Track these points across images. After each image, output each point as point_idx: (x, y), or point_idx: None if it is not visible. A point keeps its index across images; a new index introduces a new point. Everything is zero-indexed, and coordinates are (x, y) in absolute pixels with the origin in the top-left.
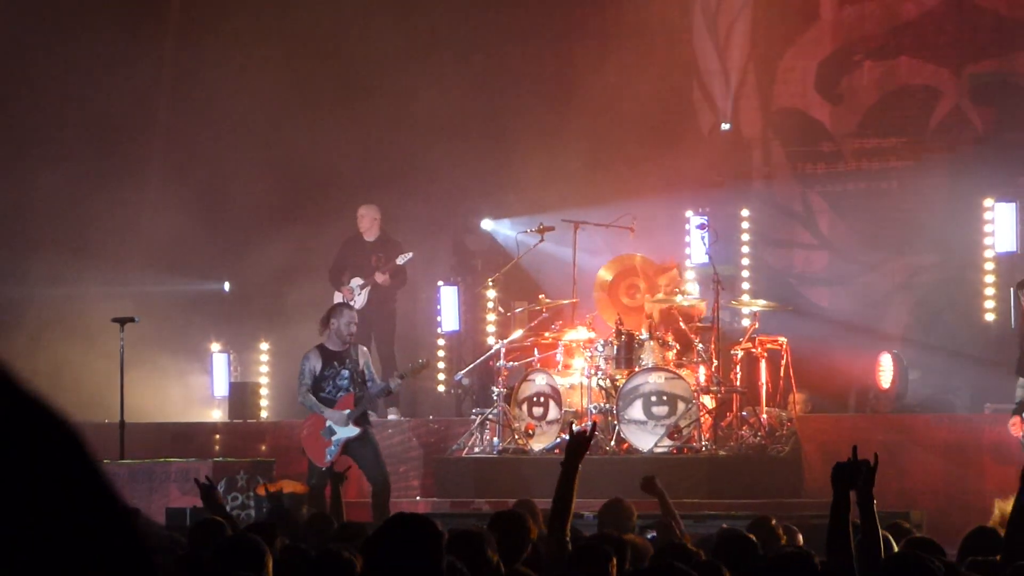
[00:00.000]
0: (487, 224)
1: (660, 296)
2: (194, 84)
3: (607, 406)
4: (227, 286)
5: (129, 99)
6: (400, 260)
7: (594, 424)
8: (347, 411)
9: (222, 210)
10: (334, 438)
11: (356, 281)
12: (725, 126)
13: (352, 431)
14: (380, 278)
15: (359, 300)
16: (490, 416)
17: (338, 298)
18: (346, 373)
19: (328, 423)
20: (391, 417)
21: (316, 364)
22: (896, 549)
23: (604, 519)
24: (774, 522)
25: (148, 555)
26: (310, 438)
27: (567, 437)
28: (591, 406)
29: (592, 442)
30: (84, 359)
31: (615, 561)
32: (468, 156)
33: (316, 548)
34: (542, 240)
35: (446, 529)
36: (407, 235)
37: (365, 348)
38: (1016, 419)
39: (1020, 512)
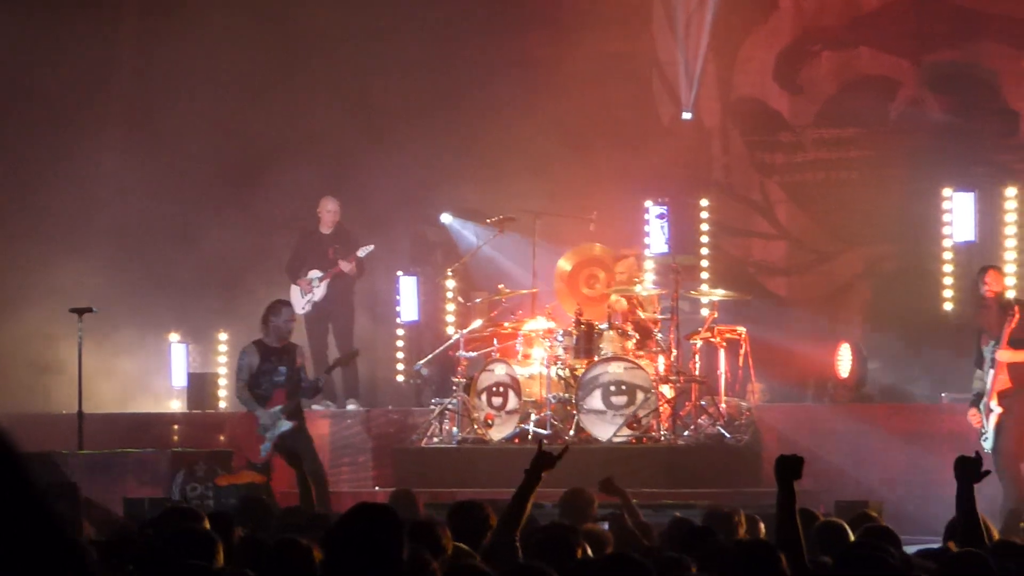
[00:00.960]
0: (446, 218)
1: (620, 287)
2: (150, 70)
3: (566, 396)
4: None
5: (84, 81)
6: (361, 252)
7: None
8: (279, 407)
9: (175, 199)
10: (268, 434)
11: (314, 273)
12: (686, 115)
13: (285, 425)
14: (346, 267)
15: (318, 292)
16: (449, 406)
17: (295, 291)
18: (283, 370)
19: (261, 420)
20: (350, 407)
21: (254, 360)
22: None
23: (564, 508)
24: (727, 510)
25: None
26: (245, 436)
27: (536, 444)
28: (550, 396)
29: (529, 434)
30: (41, 349)
31: (579, 550)
32: (427, 146)
33: (274, 538)
34: (502, 231)
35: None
36: (367, 226)
37: (301, 347)
38: (974, 410)
39: (962, 503)
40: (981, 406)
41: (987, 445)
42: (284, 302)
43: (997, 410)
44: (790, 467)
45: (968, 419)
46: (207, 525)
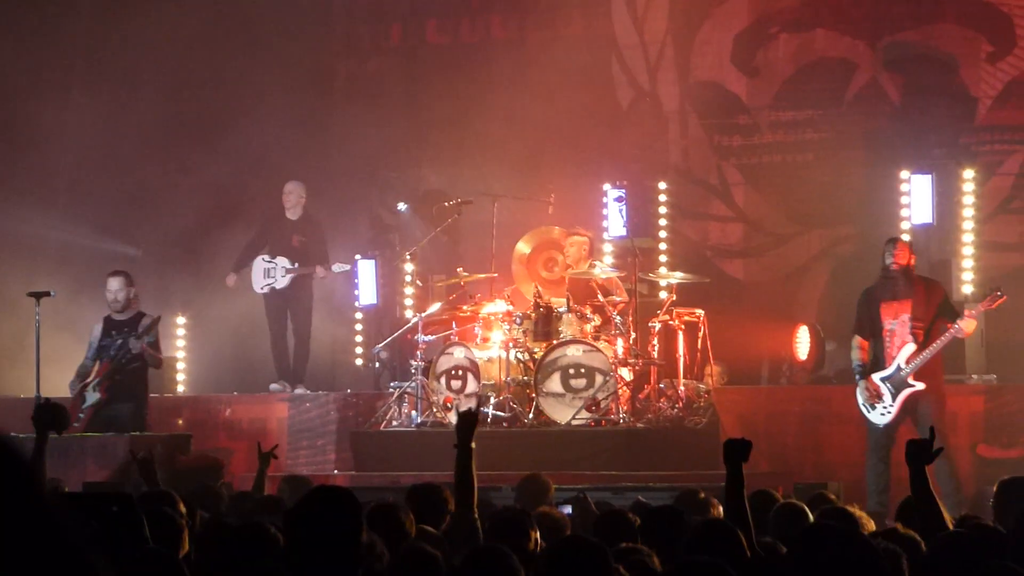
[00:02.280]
0: (402, 207)
1: (572, 269)
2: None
3: (525, 379)
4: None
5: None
6: (335, 268)
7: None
8: (96, 380)
9: (131, 177)
10: (84, 404)
11: (283, 261)
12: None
13: (91, 398)
14: (321, 273)
15: (281, 281)
16: (408, 389)
17: (256, 269)
18: (120, 342)
19: (84, 392)
20: (298, 391)
21: (97, 333)
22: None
23: (522, 493)
24: (703, 495)
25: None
26: (75, 406)
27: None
28: (509, 379)
29: (488, 416)
30: None
31: (533, 535)
32: (386, 129)
33: (238, 520)
34: (460, 214)
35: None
36: (325, 208)
37: (156, 317)
38: (869, 381)
39: (917, 487)
40: (881, 379)
41: (882, 420)
42: (112, 272)
43: (918, 386)
44: (738, 450)
45: (857, 392)
46: (183, 509)
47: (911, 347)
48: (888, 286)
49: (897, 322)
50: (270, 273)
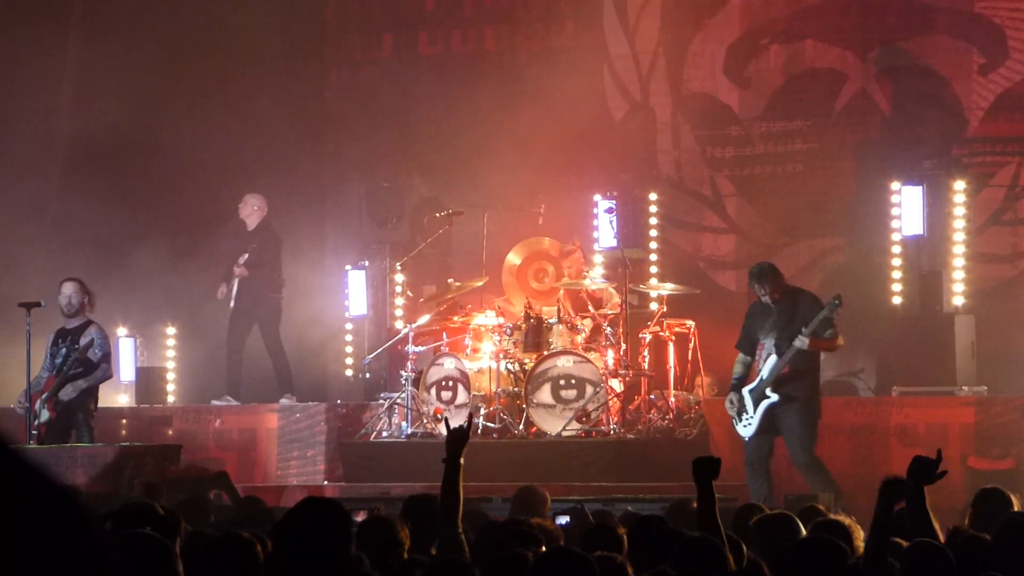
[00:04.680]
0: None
1: (567, 280)
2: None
3: (516, 390)
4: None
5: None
6: (240, 260)
7: (471, 417)
8: (44, 394)
9: (117, 196)
10: (37, 421)
11: (239, 272)
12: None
13: (43, 415)
14: (238, 271)
15: (234, 291)
16: (398, 400)
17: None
18: (63, 352)
19: (36, 407)
20: (283, 402)
21: (49, 341)
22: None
23: (517, 505)
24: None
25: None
26: (24, 422)
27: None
28: (499, 390)
29: (479, 427)
30: None
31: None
32: (376, 140)
33: (220, 531)
34: (451, 224)
35: (353, 515)
36: (315, 219)
37: (99, 329)
38: (734, 396)
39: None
40: (748, 392)
41: (746, 432)
42: (67, 278)
43: (772, 397)
44: (707, 468)
45: (726, 405)
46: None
47: (773, 359)
48: (765, 309)
49: (768, 337)
50: (230, 287)
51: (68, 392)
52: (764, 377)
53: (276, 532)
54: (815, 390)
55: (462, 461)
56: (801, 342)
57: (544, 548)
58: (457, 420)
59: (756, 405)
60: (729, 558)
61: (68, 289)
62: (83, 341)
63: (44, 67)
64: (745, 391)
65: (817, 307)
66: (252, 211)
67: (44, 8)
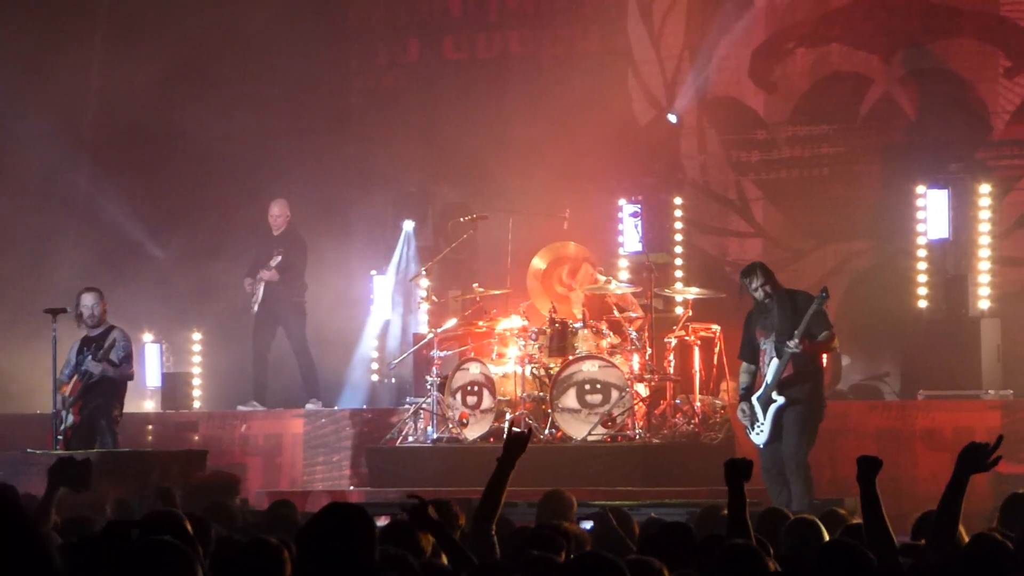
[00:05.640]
0: (407, 225)
1: (591, 285)
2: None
3: (541, 394)
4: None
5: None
6: (272, 262)
7: (529, 430)
8: (70, 400)
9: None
10: (62, 426)
11: (258, 275)
12: (672, 118)
13: (70, 418)
14: (266, 275)
15: (258, 295)
16: (424, 405)
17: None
18: (98, 367)
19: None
20: (308, 407)
21: (72, 353)
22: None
23: (544, 509)
24: (725, 511)
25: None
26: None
27: (506, 432)
28: (525, 395)
29: (505, 433)
30: (16, 349)
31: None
32: (402, 144)
33: (248, 536)
34: (475, 229)
35: (376, 520)
36: (343, 225)
37: (121, 332)
38: (743, 404)
39: (947, 498)
40: (756, 399)
41: (759, 440)
42: (85, 288)
43: (779, 400)
44: (739, 470)
45: (737, 414)
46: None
47: (775, 362)
48: (760, 313)
49: (768, 341)
50: (256, 292)
51: (92, 366)
52: (769, 381)
53: (300, 538)
54: (817, 392)
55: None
56: (794, 345)
57: (569, 553)
58: (483, 424)
59: (765, 411)
60: (769, 564)
61: (89, 300)
62: (107, 343)
63: (72, 66)
64: (754, 399)
65: (809, 304)
66: (278, 216)
67: (72, 5)
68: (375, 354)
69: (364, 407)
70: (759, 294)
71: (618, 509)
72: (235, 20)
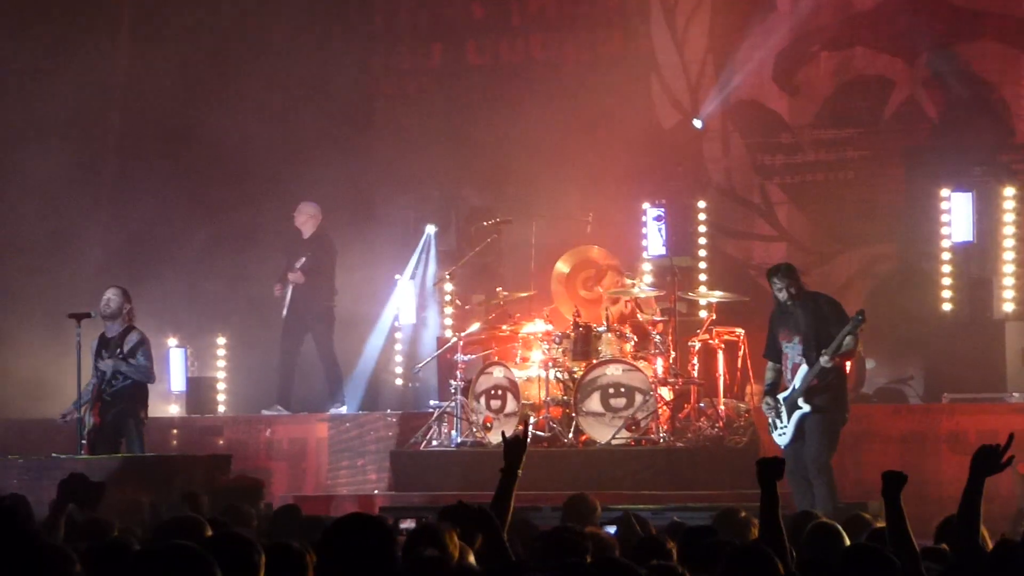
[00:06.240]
0: (430, 229)
1: (614, 289)
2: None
3: (565, 398)
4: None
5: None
6: (297, 264)
7: (525, 426)
8: (89, 403)
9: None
10: (84, 431)
11: (294, 278)
12: (697, 123)
13: (91, 422)
14: (293, 277)
15: (286, 300)
16: (448, 409)
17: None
18: (109, 364)
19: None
20: (333, 412)
21: (93, 350)
22: (848, 542)
23: (568, 513)
24: (744, 514)
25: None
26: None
27: (503, 442)
28: (548, 398)
29: (528, 436)
30: (42, 353)
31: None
32: (425, 149)
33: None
34: (499, 233)
35: (399, 523)
36: (364, 228)
37: (140, 333)
38: (770, 399)
39: (965, 501)
40: (783, 399)
41: (781, 441)
42: (113, 285)
43: (804, 407)
44: (771, 469)
45: (763, 406)
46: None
47: (804, 369)
48: (783, 314)
49: (791, 345)
50: (284, 296)
51: (108, 365)
52: (796, 387)
53: (319, 548)
54: (841, 398)
55: (520, 472)
56: (825, 361)
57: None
58: (507, 428)
59: (790, 414)
60: (780, 567)
61: (110, 292)
62: (127, 346)
63: (97, 68)
64: (780, 397)
65: (838, 314)
66: (307, 219)
67: (96, 6)
68: (399, 358)
69: (388, 411)
70: (782, 295)
71: (635, 513)
72: (261, 23)
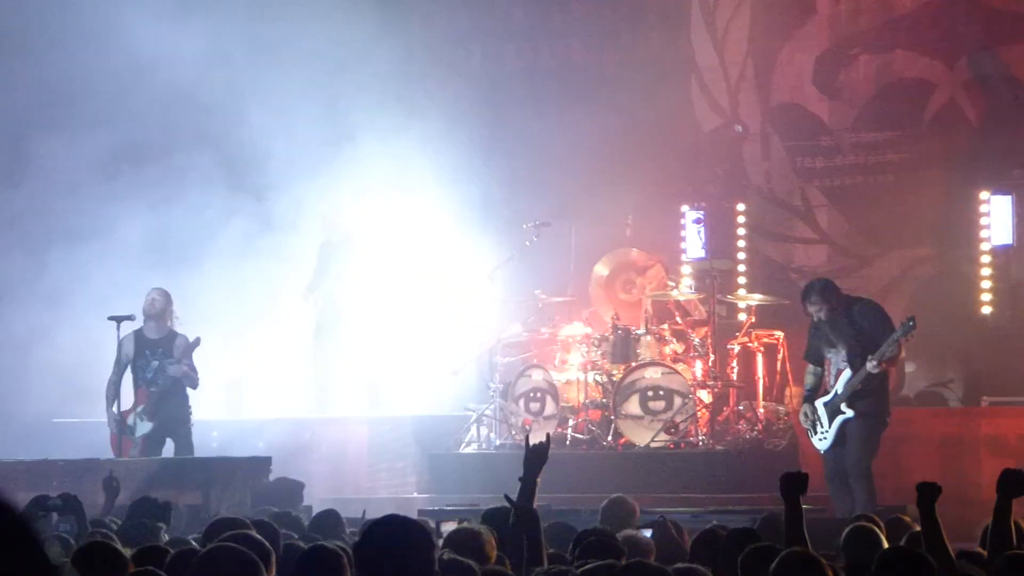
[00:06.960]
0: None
1: (653, 291)
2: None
3: (604, 401)
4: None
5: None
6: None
7: (548, 436)
8: (140, 407)
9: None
10: (135, 435)
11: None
12: (739, 128)
13: (144, 427)
14: (326, 282)
15: (322, 303)
16: (487, 412)
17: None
18: (155, 365)
19: (128, 420)
20: (371, 414)
21: (129, 351)
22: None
23: (607, 516)
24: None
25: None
26: (115, 435)
27: (524, 446)
28: (587, 401)
29: (567, 438)
30: (86, 353)
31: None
32: (465, 151)
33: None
34: (538, 236)
35: (440, 525)
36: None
37: (188, 337)
38: (808, 408)
39: (995, 524)
40: (822, 404)
41: (821, 446)
42: (153, 288)
43: (848, 412)
44: (795, 483)
45: (799, 417)
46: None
47: (848, 374)
48: (824, 326)
49: (834, 351)
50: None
51: (176, 370)
52: (839, 392)
53: (356, 549)
54: (884, 404)
55: (539, 481)
56: (872, 367)
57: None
58: (539, 434)
59: (832, 419)
60: (830, 572)
61: (154, 293)
62: (177, 351)
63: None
64: (819, 403)
65: (882, 319)
66: (335, 227)
67: None
68: (439, 360)
69: (427, 414)
70: (818, 316)
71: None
72: (303, 30)
